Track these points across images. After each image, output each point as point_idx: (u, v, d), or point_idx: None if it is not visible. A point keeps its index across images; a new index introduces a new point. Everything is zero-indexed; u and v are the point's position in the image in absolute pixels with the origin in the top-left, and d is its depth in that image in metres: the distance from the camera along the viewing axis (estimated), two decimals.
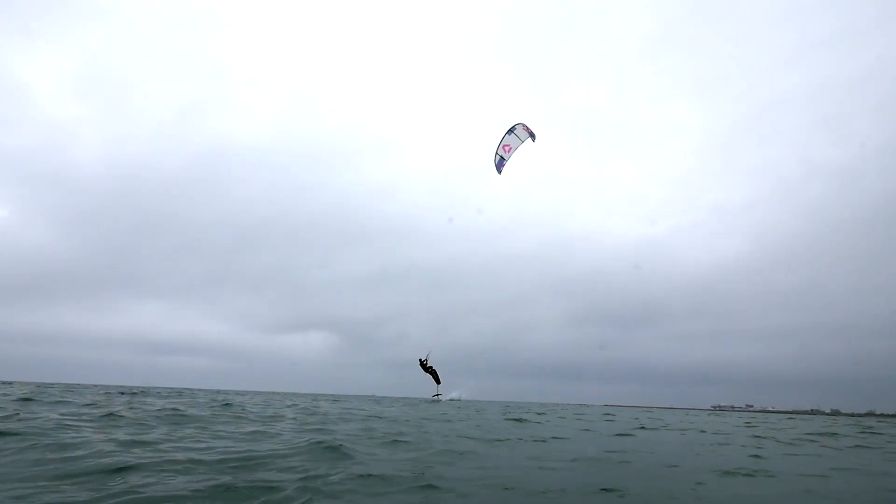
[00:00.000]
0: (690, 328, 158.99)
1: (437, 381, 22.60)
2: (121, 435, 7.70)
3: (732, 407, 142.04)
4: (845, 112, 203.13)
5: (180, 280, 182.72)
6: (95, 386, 59.34)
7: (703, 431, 15.36)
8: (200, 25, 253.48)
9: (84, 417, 10.04)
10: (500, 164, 19.18)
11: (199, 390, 64.71)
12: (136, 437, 7.56)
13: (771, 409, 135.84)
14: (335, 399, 41.15)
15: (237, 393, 59.56)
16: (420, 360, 22.34)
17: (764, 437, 13.39)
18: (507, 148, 19.36)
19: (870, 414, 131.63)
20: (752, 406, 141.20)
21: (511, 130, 19.79)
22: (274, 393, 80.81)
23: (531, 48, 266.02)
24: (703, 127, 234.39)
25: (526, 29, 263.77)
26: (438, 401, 21.71)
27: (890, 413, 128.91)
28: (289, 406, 18.93)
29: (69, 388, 40.44)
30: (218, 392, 57.03)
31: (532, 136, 20.21)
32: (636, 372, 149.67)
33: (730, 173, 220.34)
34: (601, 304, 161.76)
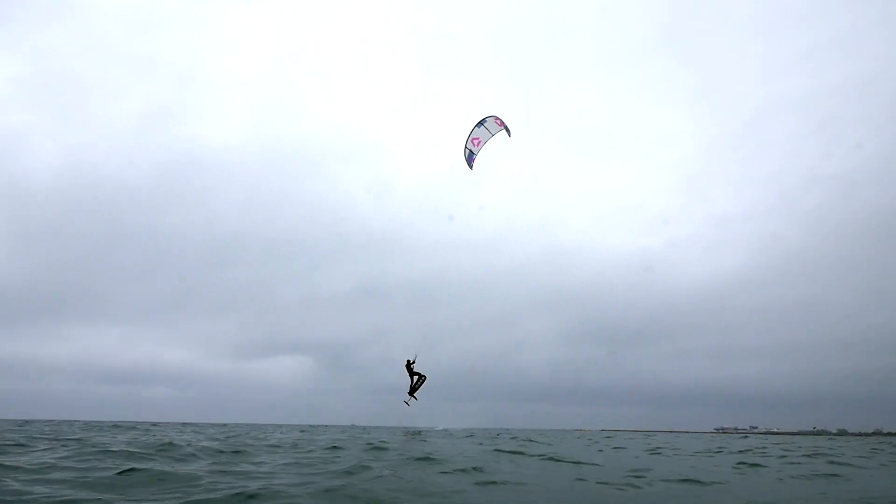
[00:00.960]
0: (690, 345, 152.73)
1: (413, 387, 19.71)
2: None
3: (736, 429, 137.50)
4: (843, 118, 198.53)
5: (139, 301, 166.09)
6: (42, 421, 54.41)
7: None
8: (166, 25, 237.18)
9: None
10: (469, 158, 17.14)
11: (163, 424, 60.08)
12: None
13: (776, 430, 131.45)
14: (325, 429, 37.59)
15: (210, 426, 55.49)
16: (409, 360, 19.70)
17: None
18: (475, 141, 17.29)
19: (877, 433, 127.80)
20: (756, 427, 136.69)
21: (481, 123, 17.72)
22: (246, 425, 76.22)
23: (522, 52, 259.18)
24: (699, 135, 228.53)
25: (516, 33, 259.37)
26: (408, 405, 18.95)
27: None
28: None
29: (17, 424, 36.71)
30: (185, 425, 52.98)
31: (507, 130, 18.13)
32: (635, 393, 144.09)
33: (727, 182, 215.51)
34: (596, 321, 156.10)
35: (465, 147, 17.25)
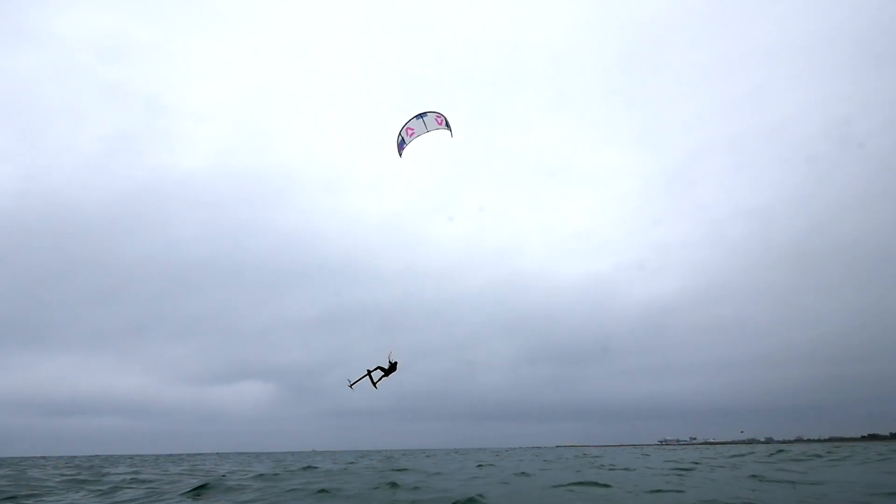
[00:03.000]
0: (635, 363, 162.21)
1: (371, 376, 17.95)
2: None
3: (678, 440, 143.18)
4: (762, 159, 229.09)
5: (93, 329, 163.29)
6: None
7: None
8: (134, 53, 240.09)
9: None
10: (400, 145, 16.70)
11: (116, 457, 53.62)
12: None
13: (712, 440, 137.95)
14: (278, 458, 34.64)
15: (165, 458, 50.06)
16: (396, 362, 17.93)
17: None
18: (410, 131, 16.92)
19: (798, 440, 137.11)
20: (695, 438, 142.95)
21: (421, 115, 17.35)
22: (200, 456, 70.27)
23: (483, 95, 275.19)
24: (641, 171, 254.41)
25: (479, 76, 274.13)
26: (351, 384, 17.20)
27: (815, 438, 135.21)
28: None
29: None
30: (132, 458, 47.50)
31: (449, 129, 17.89)
32: (587, 409, 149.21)
33: (665, 213, 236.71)
34: (550, 343, 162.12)
35: (399, 134, 16.85)
